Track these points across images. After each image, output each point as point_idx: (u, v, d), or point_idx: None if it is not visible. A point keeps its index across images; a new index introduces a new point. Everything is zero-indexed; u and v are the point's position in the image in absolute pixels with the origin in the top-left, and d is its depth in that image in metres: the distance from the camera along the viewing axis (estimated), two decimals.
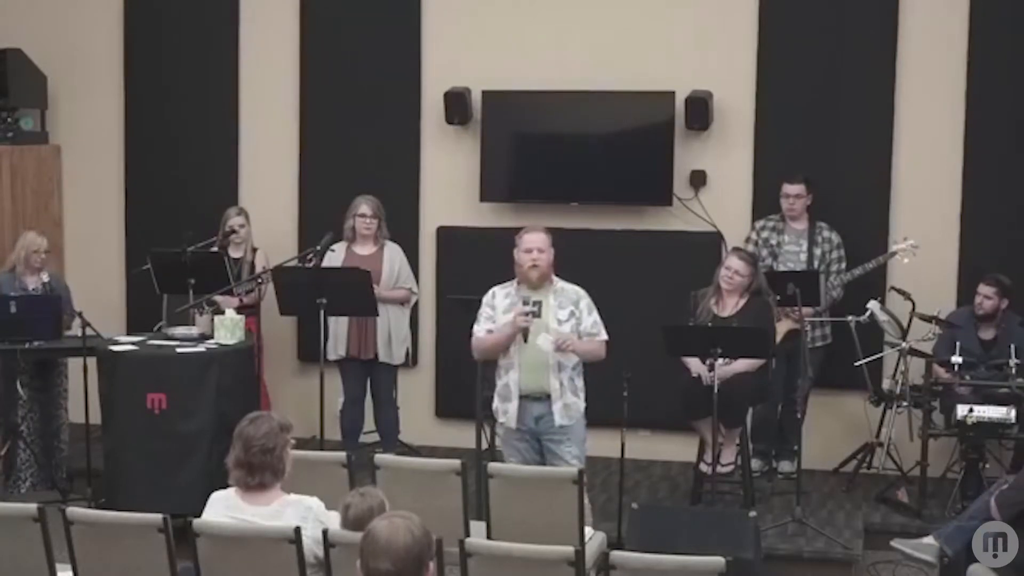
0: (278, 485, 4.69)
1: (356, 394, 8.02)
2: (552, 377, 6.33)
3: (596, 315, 6.42)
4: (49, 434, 7.76)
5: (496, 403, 6.50)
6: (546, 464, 6.34)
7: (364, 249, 7.92)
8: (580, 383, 6.45)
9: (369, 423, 8.15)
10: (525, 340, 6.31)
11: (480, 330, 6.47)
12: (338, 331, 7.83)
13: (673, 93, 8.16)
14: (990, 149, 7.94)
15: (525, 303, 6.29)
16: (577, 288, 6.44)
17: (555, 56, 8.38)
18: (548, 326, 6.32)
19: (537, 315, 6.27)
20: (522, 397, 6.37)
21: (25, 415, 7.66)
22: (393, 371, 8.03)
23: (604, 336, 6.43)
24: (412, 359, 8.28)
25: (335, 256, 7.84)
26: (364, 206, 7.90)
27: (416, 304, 8.29)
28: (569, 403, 6.37)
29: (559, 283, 6.43)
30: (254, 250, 8.26)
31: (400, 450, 7.97)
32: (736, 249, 7.49)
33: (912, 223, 7.95)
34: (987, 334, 7.52)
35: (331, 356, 7.80)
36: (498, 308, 6.42)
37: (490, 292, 6.50)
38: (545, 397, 6.35)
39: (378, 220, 7.92)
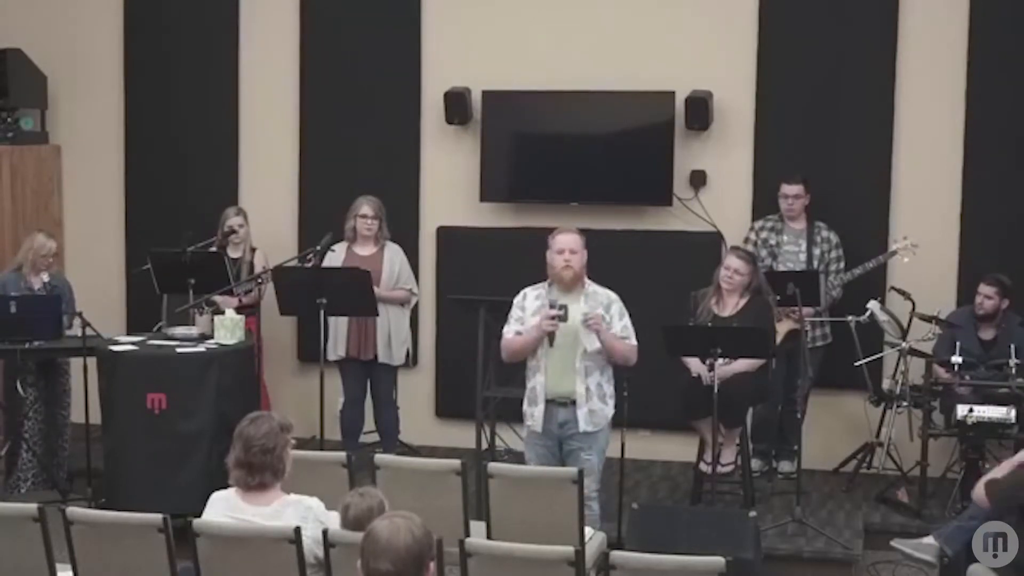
0: (278, 485, 4.69)
1: (356, 395, 8.01)
2: (579, 382, 6.27)
3: (627, 321, 6.34)
4: (52, 435, 7.75)
5: (525, 406, 6.42)
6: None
7: (364, 250, 7.91)
8: (609, 389, 6.38)
9: (369, 423, 8.14)
10: (551, 344, 6.24)
11: (509, 331, 6.39)
12: (338, 332, 7.82)
13: (673, 93, 8.16)
14: (990, 149, 7.94)
15: (552, 306, 6.21)
16: (609, 292, 6.36)
17: (555, 56, 8.37)
18: (577, 331, 6.24)
19: (564, 319, 6.19)
20: (548, 401, 6.30)
21: (26, 415, 7.66)
22: (393, 372, 8.02)
23: (634, 342, 6.35)
24: (412, 359, 8.27)
25: (335, 256, 7.84)
26: (365, 207, 7.88)
27: (416, 304, 8.28)
28: (595, 409, 6.29)
29: (591, 286, 6.36)
30: (253, 250, 8.26)
31: (400, 450, 7.97)
32: (735, 248, 7.50)
33: (912, 223, 7.95)
34: (987, 334, 7.53)
35: (331, 356, 7.79)
36: (528, 310, 6.34)
37: (521, 293, 6.42)
38: (571, 403, 6.28)
39: (379, 221, 7.90)
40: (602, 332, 6.22)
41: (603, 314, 6.26)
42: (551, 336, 6.21)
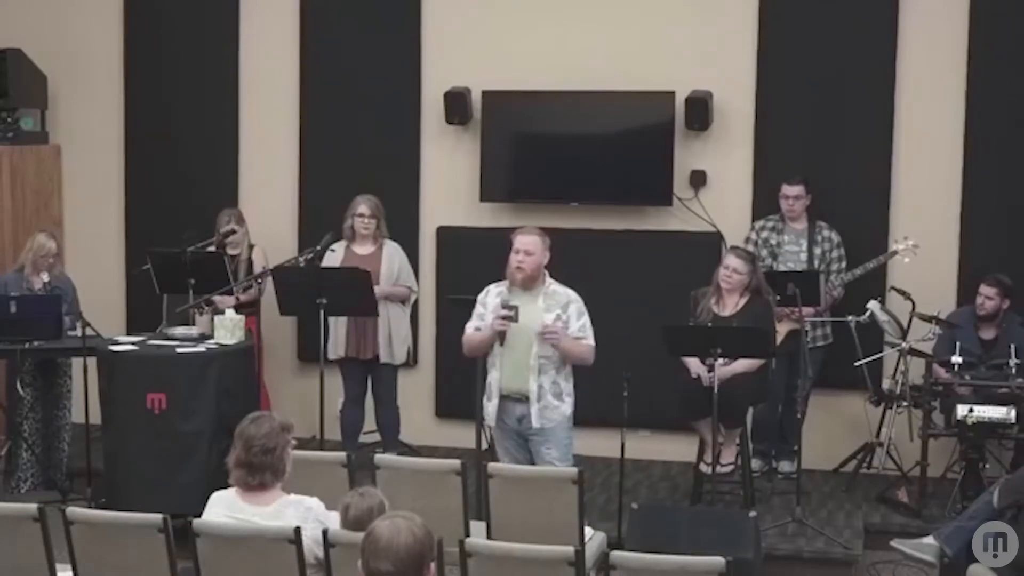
0: (278, 485, 4.69)
1: (356, 394, 8.02)
2: (532, 379, 6.32)
3: (585, 320, 6.37)
4: (51, 435, 7.75)
5: (484, 399, 6.52)
6: (535, 463, 6.35)
7: (363, 248, 7.91)
8: (567, 387, 6.41)
9: (370, 423, 8.14)
10: (501, 343, 6.34)
11: (470, 327, 6.51)
12: (337, 332, 7.82)
13: (673, 93, 8.16)
14: (990, 149, 7.93)
15: (505, 306, 6.29)
16: (569, 291, 6.40)
17: (555, 56, 8.37)
18: (531, 330, 6.28)
19: (514, 319, 6.27)
20: (503, 397, 6.39)
21: (26, 415, 7.65)
22: (394, 371, 8.01)
23: (591, 342, 6.38)
24: (412, 358, 8.26)
25: (335, 256, 7.84)
26: (362, 206, 7.89)
27: (416, 304, 8.28)
28: (549, 406, 6.34)
29: (553, 285, 6.40)
30: (251, 247, 8.26)
31: (400, 450, 7.97)
32: (734, 248, 7.50)
33: (912, 223, 7.95)
34: (987, 334, 7.53)
35: (331, 356, 7.79)
36: (489, 306, 6.43)
37: (485, 290, 6.51)
38: (525, 398, 6.35)
39: (376, 220, 7.90)
40: (560, 342, 6.27)
41: (561, 317, 6.29)
42: (502, 336, 6.31)
